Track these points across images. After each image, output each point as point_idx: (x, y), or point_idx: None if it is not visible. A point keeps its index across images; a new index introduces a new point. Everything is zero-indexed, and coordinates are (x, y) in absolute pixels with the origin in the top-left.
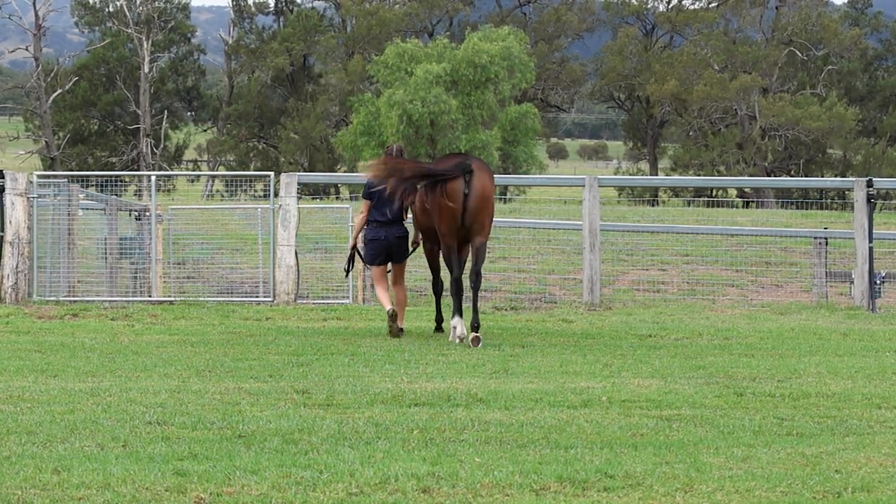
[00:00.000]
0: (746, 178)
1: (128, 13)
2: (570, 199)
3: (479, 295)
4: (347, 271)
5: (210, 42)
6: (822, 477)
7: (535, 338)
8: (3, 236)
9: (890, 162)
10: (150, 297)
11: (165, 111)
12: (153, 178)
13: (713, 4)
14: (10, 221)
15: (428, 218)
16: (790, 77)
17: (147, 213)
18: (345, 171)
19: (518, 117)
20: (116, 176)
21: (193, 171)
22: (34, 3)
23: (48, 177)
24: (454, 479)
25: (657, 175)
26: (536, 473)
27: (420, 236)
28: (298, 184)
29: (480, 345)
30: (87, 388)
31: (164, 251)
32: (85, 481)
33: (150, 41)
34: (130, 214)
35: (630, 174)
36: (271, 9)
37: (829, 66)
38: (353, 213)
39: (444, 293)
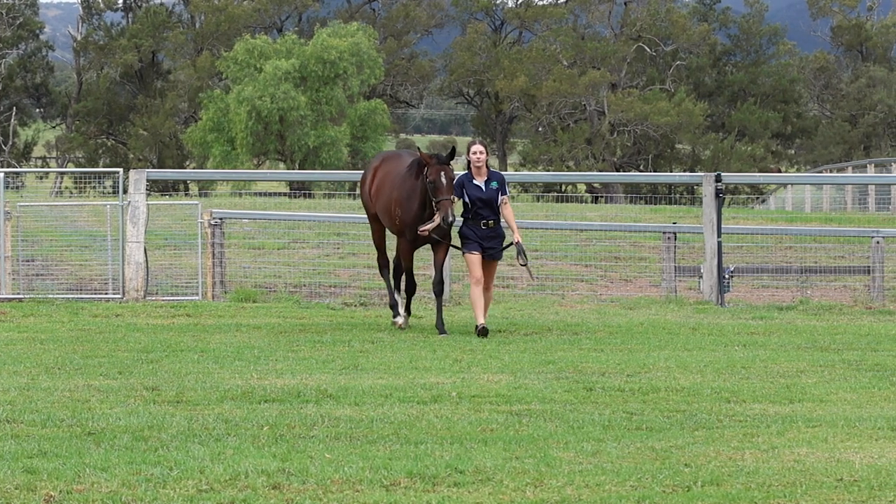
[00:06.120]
0: (595, 173)
1: None
2: None
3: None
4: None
5: (59, 38)
6: (672, 471)
7: (384, 334)
8: None
9: (738, 157)
10: None
11: (14, 108)
12: (1, 175)
13: (562, 0)
14: None
15: None
16: (639, 73)
17: None
18: (194, 168)
19: (367, 113)
20: None
21: (42, 168)
22: None
23: None
24: (304, 475)
25: (506, 171)
26: (386, 469)
27: None
28: (147, 180)
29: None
30: None
31: (13, 248)
32: None
33: None
34: None
35: None
36: (120, 5)
37: (678, 62)
38: (202, 210)
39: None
